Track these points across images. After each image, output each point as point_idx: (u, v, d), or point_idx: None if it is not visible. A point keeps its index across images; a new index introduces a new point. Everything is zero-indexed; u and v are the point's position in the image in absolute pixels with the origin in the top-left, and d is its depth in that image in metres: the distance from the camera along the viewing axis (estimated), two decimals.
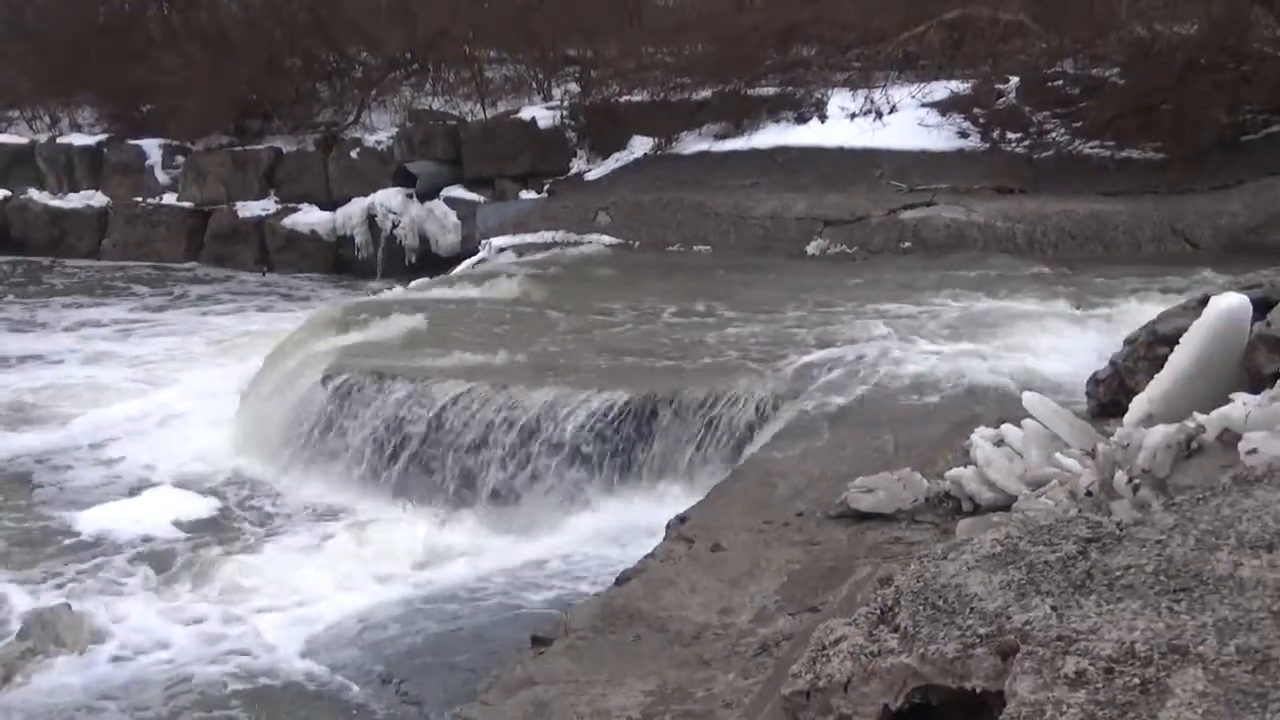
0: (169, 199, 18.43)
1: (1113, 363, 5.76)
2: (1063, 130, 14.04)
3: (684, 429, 7.54)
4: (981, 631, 2.10)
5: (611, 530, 7.07)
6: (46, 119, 20.85)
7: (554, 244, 13.76)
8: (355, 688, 5.65)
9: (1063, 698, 1.89)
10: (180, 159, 18.62)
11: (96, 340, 13.24)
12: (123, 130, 19.52)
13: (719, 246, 13.33)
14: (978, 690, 2.06)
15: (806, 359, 8.20)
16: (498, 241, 13.98)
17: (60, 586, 6.87)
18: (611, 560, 6.38)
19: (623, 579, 4.84)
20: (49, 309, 15.12)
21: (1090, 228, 12.37)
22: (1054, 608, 2.10)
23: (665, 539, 5.27)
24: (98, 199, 18.88)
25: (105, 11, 22.05)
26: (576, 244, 13.74)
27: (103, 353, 12.56)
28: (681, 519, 5.45)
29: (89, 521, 7.82)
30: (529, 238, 13.97)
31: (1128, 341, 5.71)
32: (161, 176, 18.65)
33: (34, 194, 19.12)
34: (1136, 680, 1.87)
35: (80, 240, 18.66)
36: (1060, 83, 14.76)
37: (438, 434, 8.00)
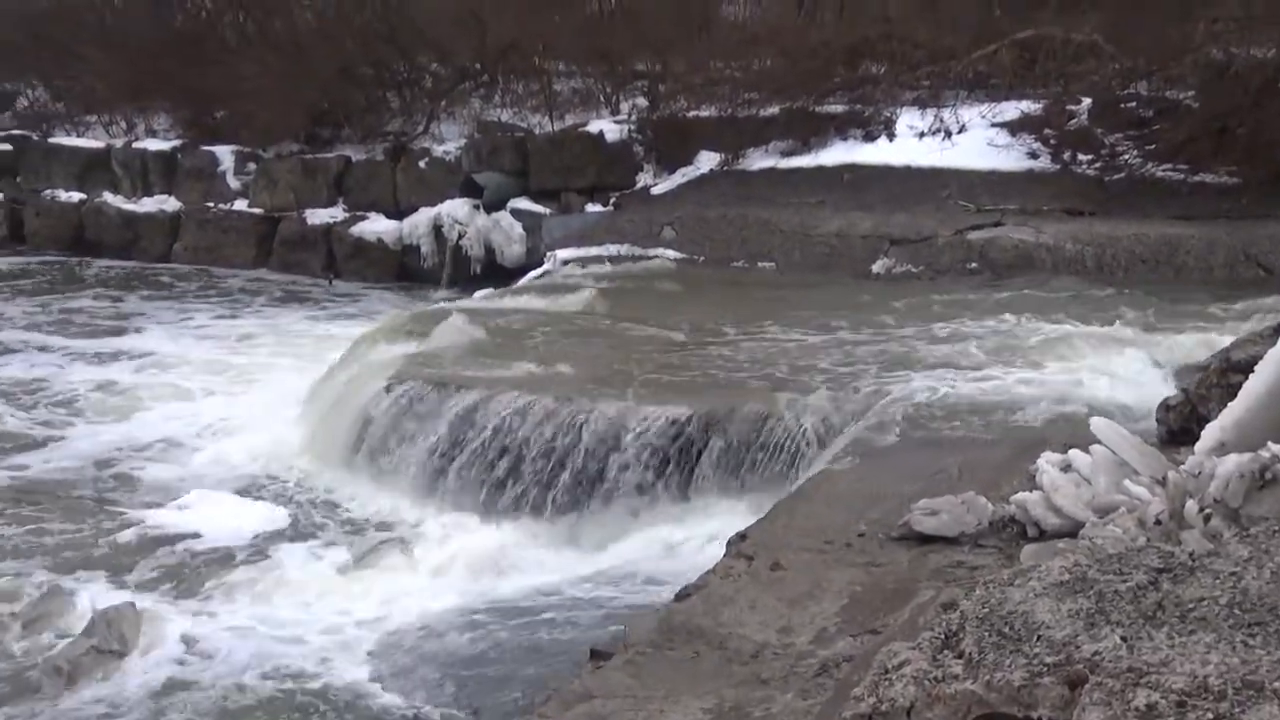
0: (240, 205, 18.69)
1: (1184, 389, 5.69)
2: (1135, 152, 13.86)
3: (745, 446, 7.53)
4: (1049, 660, 2.07)
5: (671, 546, 7.06)
6: (123, 124, 21.21)
7: (619, 257, 13.78)
8: (414, 698, 5.67)
9: None
10: (252, 165, 18.86)
11: (160, 342, 13.38)
12: (197, 136, 19.82)
13: (784, 264, 13.29)
14: None
15: (870, 378, 8.16)
16: (563, 254, 14.02)
17: (124, 587, 6.96)
18: (671, 576, 6.36)
19: (682, 595, 4.82)
20: (96, 308, 15.36)
21: (1161, 252, 12.20)
22: (1124, 638, 2.06)
23: (725, 556, 5.25)
24: (170, 204, 19.17)
25: (182, 18, 22.44)
26: (641, 258, 13.75)
27: (166, 355, 12.70)
28: (742, 536, 5.43)
29: (153, 522, 7.92)
30: (594, 250, 14.00)
31: (1200, 368, 5.63)
32: (233, 182, 18.90)
33: (109, 197, 19.47)
34: (1210, 715, 1.84)
35: (152, 244, 18.95)
36: (1133, 104, 14.59)
37: (500, 445, 8.03)
